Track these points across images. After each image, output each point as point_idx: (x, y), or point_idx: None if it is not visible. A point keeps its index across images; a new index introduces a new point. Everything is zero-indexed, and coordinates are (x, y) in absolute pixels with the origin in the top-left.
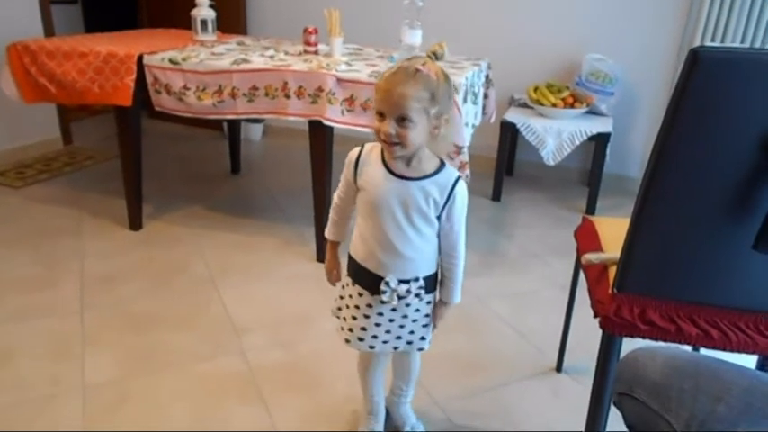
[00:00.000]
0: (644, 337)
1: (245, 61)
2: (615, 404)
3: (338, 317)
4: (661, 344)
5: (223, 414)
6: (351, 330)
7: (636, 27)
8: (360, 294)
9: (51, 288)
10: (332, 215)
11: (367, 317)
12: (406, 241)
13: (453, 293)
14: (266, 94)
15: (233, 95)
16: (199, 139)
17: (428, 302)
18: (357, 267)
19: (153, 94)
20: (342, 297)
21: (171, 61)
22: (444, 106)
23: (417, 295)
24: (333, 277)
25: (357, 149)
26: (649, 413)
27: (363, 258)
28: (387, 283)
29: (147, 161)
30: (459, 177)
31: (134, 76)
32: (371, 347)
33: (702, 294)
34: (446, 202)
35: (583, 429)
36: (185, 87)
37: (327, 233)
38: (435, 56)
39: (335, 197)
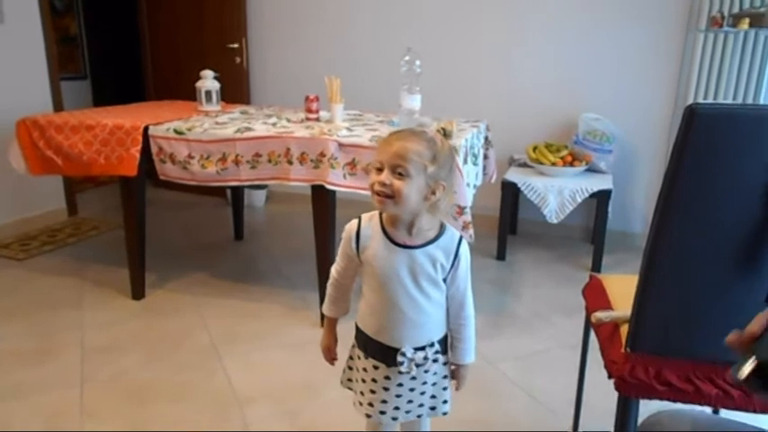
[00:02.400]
0: (661, 399)
1: (249, 129)
2: None
3: (350, 388)
4: (683, 406)
5: None
6: (371, 405)
7: (630, 86)
8: (375, 367)
9: (50, 361)
10: (330, 292)
11: (386, 389)
12: (417, 309)
13: (466, 354)
14: (269, 161)
15: (236, 162)
16: (202, 206)
17: (444, 363)
18: (368, 340)
19: (158, 164)
20: (351, 368)
21: (176, 131)
22: (444, 173)
23: (435, 360)
24: (331, 355)
25: (354, 222)
26: None
27: (375, 332)
28: (403, 354)
29: (150, 229)
30: (461, 237)
31: (139, 147)
32: (395, 419)
33: (718, 352)
34: (452, 265)
35: None
36: (190, 156)
37: (326, 310)
38: (444, 132)
39: (334, 272)
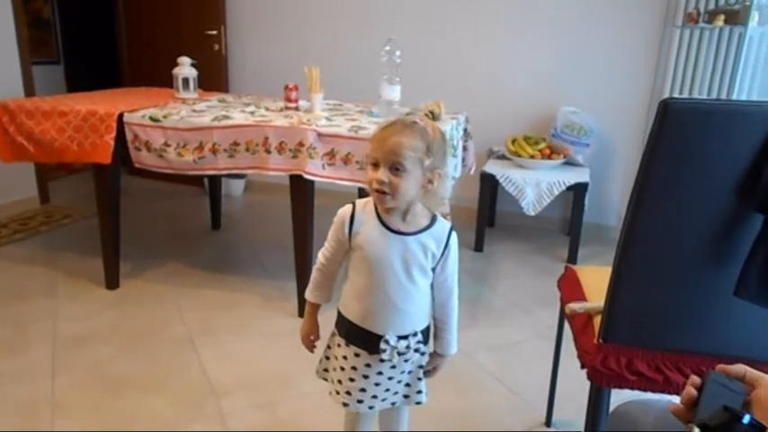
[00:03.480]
0: (632, 388)
1: (226, 117)
2: None
3: (326, 379)
4: (653, 396)
5: None
6: (348, 393)
7: (608, 81)
8: (356, 355)
9: (21, 351)
10: (316, 276)
11: (366, 377)
12: (405, 296)
13: (450, 344)
14: (247, 150)
15: (214, 151)
16: (179, 195)
17: (422, 354)
18: (351, 327)
19: (133, 152)
20: (329, 358)
21: (152, 118)
22: (439, 161)
23: (417, 350)
24: (311, 342)
25: (349, 207)
26: None
27: (360, 318)
28: (386, 341)
29: (125, 218)
30: (452, 227)
31: (114, 134)
32: (371, 407)
33: (687, 342)
34: (442, 254)
35: None
36: (166, 144)
37: (310, 296)
38: (432, 114)
39: (321, 257)
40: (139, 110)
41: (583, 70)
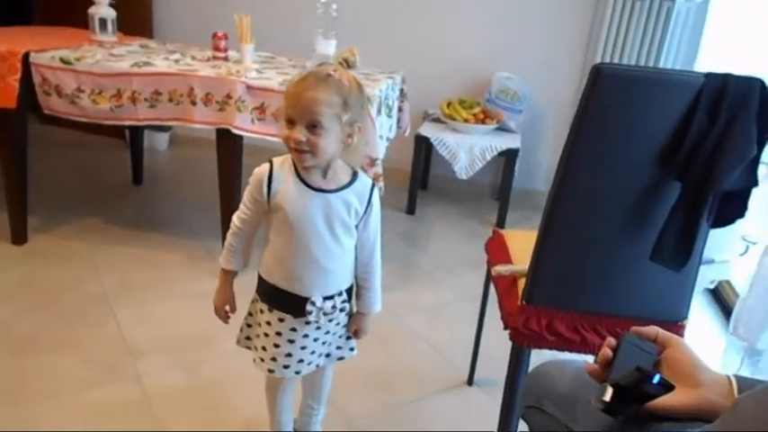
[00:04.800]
0: (551, 349)
1: (148, 64)
2: (523, 417)
3: (248, 347)
4: (572, 357)
5: None
6: (274, 360)
7: (541, 47)
8: (281, 320)
9: None
10: (231, 242)
11: (292, 342)
12: (329, 255)
13: (373, 303)
14: (170, 100)
15: (133, 100)
16: (97, 147)
17: (347, 314)
18: (274, 291)
19: (41, 96)
20: (251, 325)
21: (62, 60)
22: (357, 114)
23: (342, 309)
24: (226, 312)
25: (266, 166)
26: (556, 425)
27: (283, 280)
28: (312, 303)
29: (36, 169)
30: (373, 184)
31: (18, 75)
32: (297, 372)
33: (605, 305)
34: (365, 211)
35: None
36: (79, 90)
37: (225, 263)
38: (347, 63)
39: (236, 221)
40: (49, 50)
41: (518, 36)
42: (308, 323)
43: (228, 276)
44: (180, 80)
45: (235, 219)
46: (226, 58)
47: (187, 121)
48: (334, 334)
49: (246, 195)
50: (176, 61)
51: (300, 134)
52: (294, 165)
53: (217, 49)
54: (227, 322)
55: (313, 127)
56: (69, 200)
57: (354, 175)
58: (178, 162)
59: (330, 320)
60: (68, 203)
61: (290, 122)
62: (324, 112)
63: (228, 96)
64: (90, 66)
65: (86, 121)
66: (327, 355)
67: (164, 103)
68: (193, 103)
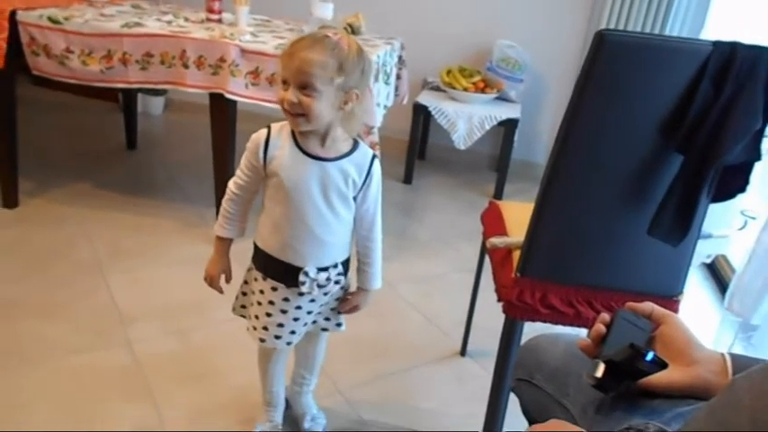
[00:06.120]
0: (544, 321)
1: (139, 25)
2: (513, 390)
3: (243, 315)
4: (565, 330)
5: (101, 413)
6: (266, 329)
7: (544, 15)
8: (274, 289)
9: None
10: (227, 208)
11: (284, 312)
12: (325, 226)
13: (374, 279)
14: (162, 63)
15: (124, 62)
16: (91, 110)
17: (342, 287)
18: (269, 260)
19: (29, 57)
20: (245, 294)
21: (50, 19)
22: (354, 80)
23: (337, 282)
24: (220, 283)
25: (264, 131)
26: (546, 398)
27: (277, 249)
28: (306, 273)
29: (27, 132)
30: (374, 156)
31: (5, 35)
32: (289, 343)
33: (600, 278)
34: (364, 183)
35: (484, 414)
36: (68, 50)
37: (220, 230)
38: (351, 28)
39: (233, 187)
40: (37, 8)
41: (521, 2)
42: (300, 294)
43: (224, 244)
44: (172, 42)
45: (231, 184)
46: (220, 21)
47: (179, 85)
48: (326, 304)
49: (243, 161)
50: (169, 23)
51: (292, 95)
52: (292, 131)
53: (211, 10)
54: (222, 292)
55: (305, 88)
56: (62, 164)
57: (355, 145)
58: (173, 127)
59: (325, 293)
60: (61, 167)
61: (285, 83)
62: (316, 73)
63: (222, 60)
64: (79, 26)
65: (76, 83)
66: (314, 322)
67: (155, 65)
68: (186, 67)
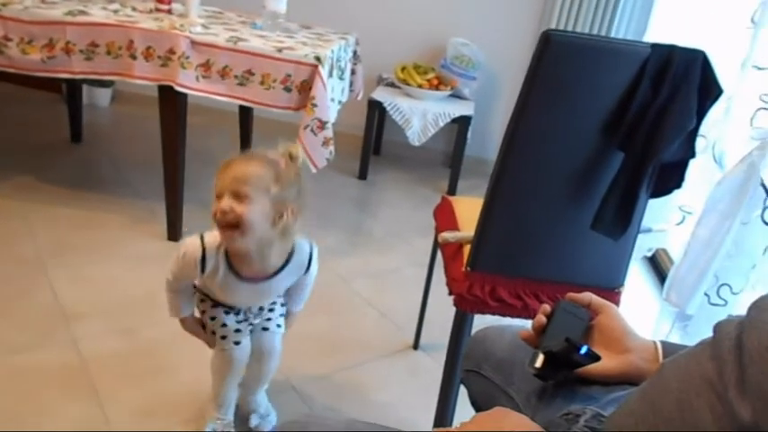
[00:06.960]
0: (494, 314)
1: (83, 13)
2: (463, 381)
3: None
4: (514, 322)
5: (42, 412)
6: (224, 338)
7: (498, 13)
8: (226, 313)
9: None
10: (172, 297)
11: (224, 325)
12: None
13: (295, 305)
14: (108, 53)
15: (67, 51)
16: (32, 101)
17: (282, 304)
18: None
19: None
20: (205, 327)
21: None
22: (291, 195)
23: (271, 309)
24: (209, 339)
25: (197, 247)
26: (493, 388)
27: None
28: (248, 311)
29: None
30: (311, 250)
31: None
32: (240, 353)
33: (546, 272)
34: (303, 275)
35: (435, 406)
36: (6, 38)
37: (176, 314)
38: (290, 155)
39: (172, 280)
40: None
41: (475, 1)
42: (237, 317)
43: (188, 319)
44: (118, 32)
45: (170, 277)
46: (169, 11)
47: (126, 76)
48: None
49: (176, 270)
50: (115, 11)
51: (225, 203)
52: (226, 252)
53: (160, 0)
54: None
55: (238, 196)
56: (2, 156)
57: (292, 250)
58: (121, 119)
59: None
60: (1, 160)
61: (219, 197)
62: (251, 181)
63: (171, 51)
64: (18, 12)
65: (16, 72)
66: (279, 326)
67: (101, 55)
68: (133, 57)
